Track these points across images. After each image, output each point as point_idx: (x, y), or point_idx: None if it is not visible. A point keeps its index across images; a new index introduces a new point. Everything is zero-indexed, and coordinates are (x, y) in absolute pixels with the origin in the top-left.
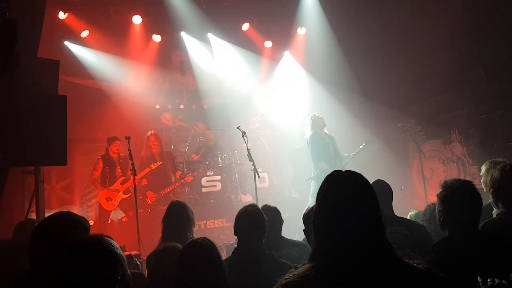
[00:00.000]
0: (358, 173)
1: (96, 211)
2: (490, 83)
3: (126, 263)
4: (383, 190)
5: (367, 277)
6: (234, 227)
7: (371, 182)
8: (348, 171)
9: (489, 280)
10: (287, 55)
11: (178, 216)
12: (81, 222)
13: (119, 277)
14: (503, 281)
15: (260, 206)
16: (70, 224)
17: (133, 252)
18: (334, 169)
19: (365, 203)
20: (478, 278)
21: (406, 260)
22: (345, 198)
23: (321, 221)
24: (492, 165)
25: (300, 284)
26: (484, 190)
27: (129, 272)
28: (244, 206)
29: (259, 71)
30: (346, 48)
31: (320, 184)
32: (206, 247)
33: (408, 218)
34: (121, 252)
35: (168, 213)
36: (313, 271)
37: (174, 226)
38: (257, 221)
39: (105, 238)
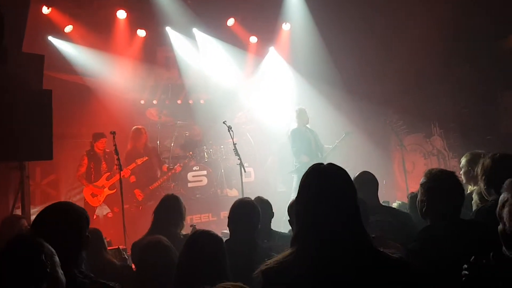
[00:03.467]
0: (337, 165)
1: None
2: (470, 79)
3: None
4: (369, 180)
5: (344, 262)
6: (229, 217)
7: (357, 174)
8: (328, 164)
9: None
10: (272, 51)
11: (170, 210)
12: (83, 213)
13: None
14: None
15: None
16: (73, 213)
17: (120, 246)
18: (315, 162)
19: (344, 193)
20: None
21: (382, 249)
22: (325, 187)
23: (301, 209)
24: (482, 155)
25: (280, 268)
26: (464, 181)
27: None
28: (240, 198)
29: (245, 66)
30: (330, 43)
31: (301, 177)
32: (215, 237)
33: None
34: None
35: (160, 205)
36: (292, 256)
37: (164, 219)
38: (252, 213)
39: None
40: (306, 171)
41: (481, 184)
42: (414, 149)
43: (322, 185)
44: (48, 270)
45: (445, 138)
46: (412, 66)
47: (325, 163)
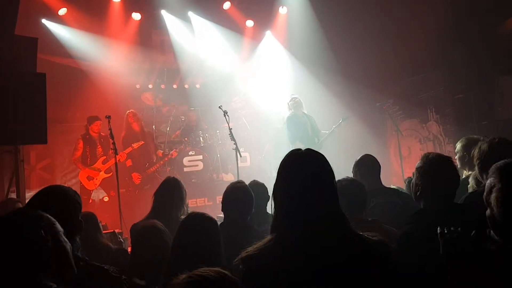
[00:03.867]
0: (315, 151)
1: (77, 191)
2: (466, 64)
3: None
4: (370, 163)
5: (320, 247)
6: (222, 202)
7: (358, 157)
8: (306, 149)
9: (446, 230)
10: (268, 35)
11: (170, 193)
12: (74, 197)
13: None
14: (458, 228)
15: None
16: (64, 198)
17: (116, 230)
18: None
19: (319, 177)
20: (437, 229)
21: (360, 233)
22: (300, 172)
23: (278, 194)
24: (481, 138)
25: (259, 255)
26: (459, 166)
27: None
28: (233, 183)
29: (241, 50)
30: (326, 28)
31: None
32: (210, 219)
33: None
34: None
35: (161, 188)
36: (271, 242)
37: (164, 202)
38: (244, 197)
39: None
40: (284, 157)
41: (476, 168)
42: (410, 135)
43: (297, 170)
44: (49, 245)
45: (441, 124)
46: (408, 51)
47: (321, 148)
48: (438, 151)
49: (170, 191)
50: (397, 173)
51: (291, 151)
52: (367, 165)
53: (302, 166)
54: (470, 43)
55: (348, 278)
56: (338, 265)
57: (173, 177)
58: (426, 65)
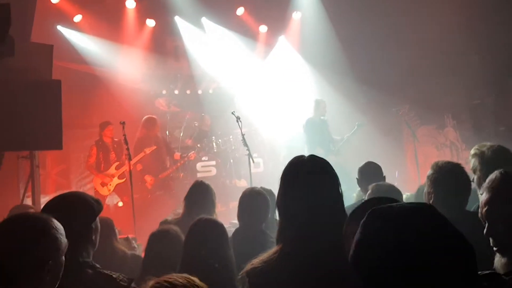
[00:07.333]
0: (319, 157)
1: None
2: (483, 69)
3: (64, 248)
4: (373, 170)
5: (326, 260)
6: (238, 208)
7: (361, 165)
8: (310, 156)
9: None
10: (282, 40)
11: (202, 197)
12: (87, 202)
13: (50, 262)
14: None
15: None
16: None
17: (129, 236)
18: (328, 153)
19: (324, 186)
20: None
21: None
22: (304, 181)
23: (282, 205)
24: (478, 147)
25: (265, 269)
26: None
27: (62, 259)
28: (248, 188)
29: (254, 56)
30: (341, 32)
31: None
32: (217, 223)
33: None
34: (60, 236)
35: (191, 192)
36: (276, 255)
37: (196, 206)
38: (262, 203)
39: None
40: (287, 165)
41: (475, 176)
42: (427, 141)
43: (300, 178)
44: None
45: (458, 129)
46: (424, 56)
47: (337, 155)
48: (455, 157)
49: (201, 195)
50: (414, 181)
51: (294, 158)
52: (369, 173)
53: (305, 175)
54: (486, 48)
55: None
56: (343, 279)
57: (201, 180)
58: (443, 70)
